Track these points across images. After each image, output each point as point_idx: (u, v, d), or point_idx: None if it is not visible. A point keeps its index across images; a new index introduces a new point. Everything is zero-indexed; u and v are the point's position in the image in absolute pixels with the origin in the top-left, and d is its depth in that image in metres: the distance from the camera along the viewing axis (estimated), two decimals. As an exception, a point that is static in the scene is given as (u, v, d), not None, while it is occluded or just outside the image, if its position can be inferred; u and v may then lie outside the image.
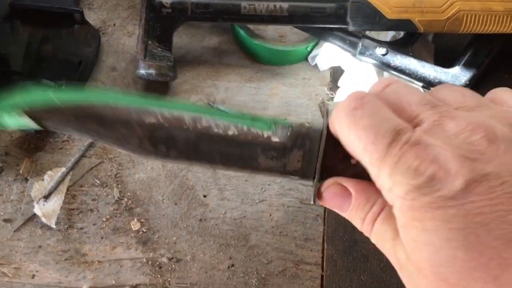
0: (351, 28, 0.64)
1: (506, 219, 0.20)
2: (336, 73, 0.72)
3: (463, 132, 0.23)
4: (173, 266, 0.58)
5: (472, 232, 0.20)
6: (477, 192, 0.21)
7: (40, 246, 0.59)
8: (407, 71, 0.65)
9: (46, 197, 0.61)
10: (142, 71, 0.64)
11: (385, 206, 0.26)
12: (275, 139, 0.29)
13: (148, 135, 0.29)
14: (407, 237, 0.23)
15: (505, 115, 0.24)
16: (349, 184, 0.27)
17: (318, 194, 0.29)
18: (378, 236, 0.26)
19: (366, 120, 0.24)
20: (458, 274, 0.20)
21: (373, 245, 0.27)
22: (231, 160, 0.29)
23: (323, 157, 0.28)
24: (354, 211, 0.27)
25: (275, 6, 0.64)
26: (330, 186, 0.28)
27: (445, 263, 0.21)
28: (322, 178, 0.29)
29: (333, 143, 0.28)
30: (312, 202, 0.29)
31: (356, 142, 0.25)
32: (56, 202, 0.61)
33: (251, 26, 0.72)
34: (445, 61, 0.67)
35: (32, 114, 0.30)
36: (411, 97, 0.26)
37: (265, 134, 0.29)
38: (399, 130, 0.23)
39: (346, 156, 0.27)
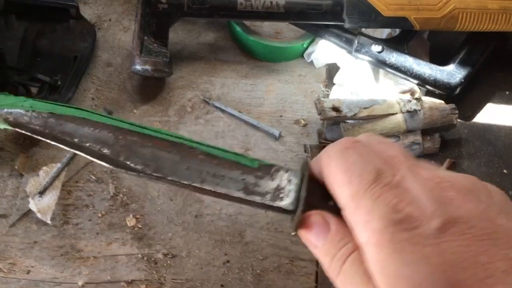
0: (347, 25, 0.64)
1: (477, 259, 0.22)
2: (331, 70, 0.72)
3: (434, 179, 0.25)
4: (169, 262, 0.59)
5: (449, 269, 0.22)
6: (452, 233, 0.23)
7: (35, 242, 0.59)
8: (403, 68, 0.65)
9: (42, 192, 0.61)
10: (138, 67, 0.64)
11: (356, 249, 0.26)
12: (258, 173, 0.30)
13: (127, 152, 0.30)
14: (384, 272, 0.23)
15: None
16: (331, 218, 0.28)
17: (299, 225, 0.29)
18: (347, 278, 0.26)
19: (356, 157, 0.26)
20: None
21: None
22: (212, 186, 0.29)
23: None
24: (327, 247, 0.27)
25: (271, 2, 0.64)
26: (312, 215, 0.28)
27: None
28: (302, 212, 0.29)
29: (313, 183, 0.29)
30: (293, 232, 0.29)
31: (342, 175, 0.26)
32: (51, 198, 0.61)
33: (247, 23, 0.72)
34: (440, 59, 0.67)
35: (7, 120, 0.31)
36: (390, 148, 0.28)
37: (249, 169, 0.30)
38: (382, 173, 0.25)
39: (324, 196, 0.28)
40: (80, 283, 0.57)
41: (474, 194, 0.24)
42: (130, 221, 0.60)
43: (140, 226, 0.60)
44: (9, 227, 0.60)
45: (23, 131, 0.31)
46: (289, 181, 0.30)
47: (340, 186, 0.26)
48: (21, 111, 0.31)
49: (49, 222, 0.59)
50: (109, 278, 0.57)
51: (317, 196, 0.29)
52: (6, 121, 0.31)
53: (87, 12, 0.75)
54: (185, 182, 0.29)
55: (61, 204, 0.61)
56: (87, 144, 0.30)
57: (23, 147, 0.64)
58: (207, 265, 0.59)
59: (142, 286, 0.57)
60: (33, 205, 0.60)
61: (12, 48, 0.67)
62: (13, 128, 0.31)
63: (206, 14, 0.65)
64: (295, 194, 0.29)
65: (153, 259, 0.59)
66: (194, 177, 0.29)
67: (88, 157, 0.30)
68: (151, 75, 0.66)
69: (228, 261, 0.59)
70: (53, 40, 0.70)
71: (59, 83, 0.66)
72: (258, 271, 0.58)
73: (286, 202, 0.29)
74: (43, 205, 0.60)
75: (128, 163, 0.29)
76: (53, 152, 0.64)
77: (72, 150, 0.30)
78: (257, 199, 0.29)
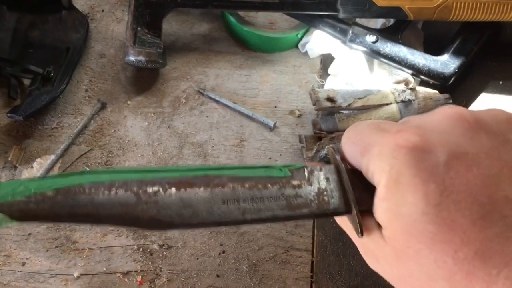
0: (341, 15, 0.64)
1: (476, 199, 0.22)
2: (326, 60, 0.72)
3: (445, 119, 0.25)
4: (164, 253, 0.59)
5: (445, 209, 0.22)
6: (457, 170, 0.22)
7: (30, 234, 0.59)
8: (397, 58, 0.65)
9: (36, 184, 0.60)
10: (132, 58, 0.63)
11: None
12: (294, 182, 0.28)
13: (155, 207, 0.26)
14: (386, 208, 0.24)
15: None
16: None
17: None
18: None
19: (362, 125, 0.28)
20: (424, 245, 0.22)
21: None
22: (255, 213, 0.27)
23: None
24: None
25: (265, -8, 0.63)
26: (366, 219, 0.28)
27: (415, 233, 0.23)
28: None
29: (349, 172, 0.28)
30: (360, 235, 0.27)
31: (354, 144, 0.28)
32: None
33: (241, 13, 0.72)
34: (434, 49, 0.67)
35: (13, 216, 0.24)
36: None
37: (284, 180, 0.28)
38: (387, 128, 0.26)
39: (363, 181, 0.27)
40: (75, 275, 0.57)
41: (491, 128, 0.24)
42: (125, 213, 0.60)
43: (135, 218, 0.60)
44: (3, 219, 0.59)
45: (35, 222, 0.25)
46: (327, 179, 0.28)
47: (356, 153, 0.27)
48: (24, 199, 0.24)
49: (43, 214, 0.59)
50: (104, 269, 0.57)
51: (359, 185, 0.27)
52: (12, 217, 0.24)
53: (80, 3, 0.74)
54: (228, 221, 0.26)
55: (56, 196, 0.61)
56: (109, 213, 0.25)
57: (17, 139, 0.64)
58: (203, 255, 0.59)
59: (138, 277, 0.57)
60: (27, 197, 0.59)
61: (3, 39, 0.66)
62: (19, 221, 0.25)
63: (200, 4, 0.64)
64: (339, 192, 0.28)
65: (148, 250, 0.59)
66: (233, 211, 0.26)
67: (117, 226, 0.26)
68: (145, 66, 0.65)
69: (223, 252, 0.59)
70: (45, 31, 0.70)
71: (52, 74, 0.66)
72: (254, 261, 0.59)
73: (333, 205, 0.27)
74: (37, 197, 0.60)
75: (161, 220, 0.26)
76: (47, 143, 0.64)
77: (96, 225, 0.26)
78: (305, 211, 0.27)
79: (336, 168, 0.28)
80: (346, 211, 0.27)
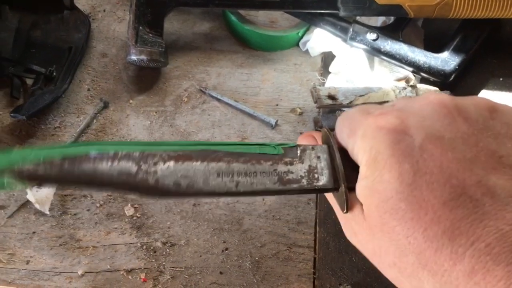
0: (342, 13, 0.64)
1: (448, 181, 0.23)
2: (327, 58, 0.73)
3: (427, 104, 0.26)
4: (168, 250, 0.59)
5: (417, 188, 0.23)
6: (431, 152, 0.24)
7: (34, 232, 0.59)
8: (397, 56, 0.66)
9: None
10: (134, 57, 0.64)
11: None
12: (287, 159, 0.29)
13: (154, 176, 0.28)
14: (364, 185, 0.26)
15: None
16: None
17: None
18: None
19: (353, 111, 0.30)
20: (397, 221, 0.24)
21: None
22: (248, 186, 0.28)
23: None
24: None
25: (266, -9, 0.64)
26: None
27: (389, 210, 0.24)
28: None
29: (341, 152, 0.29)
30: (344, 211, 0.28)
31: (343, 127, 0.29)
32: (49, 189, 0.61)
33: (242, 12, 0.72)
34: (434, 46, 0.67)
35: (23, 178, 0.27)
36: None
37: (276, 157, 0.29)
38: (372, 112, 0.28)
39: (353, 166, 0.28)
40: (79, 272, 0.57)
41: (470, 115, 0.25)
42: (129, 211, 0.61)
43: (138, 216, 0.61)
44: (8, 218, 0.60)
45: (43, 184, 0.29)
46: (318, 158, 0.30)
47: (344, 135, 0.29)
48: (33, 165, 0.27)
49: (47, 212, 0.60)
50: (108, 267, 0.58)
51: (347, 165, 0.29)
52: (22, 179, 0.27)
53: (81, 3, 0.75)
54: (222, 192, 0.28)
55: (59, 194, 0.61)
56: (111, 180, 0.27)
57: (20, 139, 0.64)
58: (206, 253, 0.59)
59: (141, 274, 0.57)
60: (31, 196, 0.60)
61: (6, 39, 0.67)
62: (30, 183, 0.28)
63: (201, 3, 0.65)
64: (329, 170, 0.29)
65: (152, 247, 0.59)
66: (228, 184, 0.28)
67: (118, 191, 0.28)
68: (147, 65, 0.66)
69: (226, 249, 0.59)
70: (47, 31, 0.70)
71: (54, 74, 0.66)
72: (257, 258, 0.59)
73: (323, 181, 0.29)
74: (41, 196, 0.60)
75: (159, 187, 0.28)
76: (50, 143, 0.64)
77: (98, 190, 0.28)
78: (295, 186, 0.29)
79: (328, 147, 0.30)
80: (334, 188, 0.29)
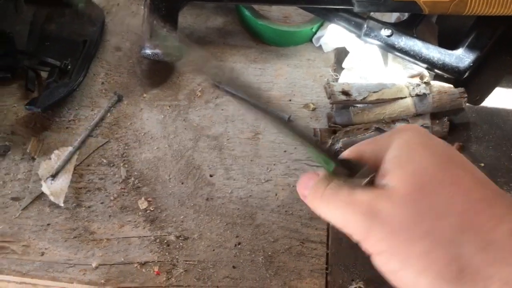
0: (356, 9, 0.64)
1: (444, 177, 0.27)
2: (340, 54, 0.73)
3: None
4: (181, 244, 0.59)
5: (452, 168, 0.27)
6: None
7: (48, 224, 0.60)
8: (412, 52, 0.65)
9: (54, 176, 0.61)
10: (148, 51, 0.64)
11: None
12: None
13: None
14: (398, 155, 0.29)
15: None
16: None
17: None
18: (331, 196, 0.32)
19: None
20: (436, 186, 0.27)
21: None
22: None
23: None
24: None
25: (281, -14, 0.64)
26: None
27: (427, 177, 0.27)
28: None
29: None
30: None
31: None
32: (63, 181, 0.61)
33: (255, 7, 0.72)
34: (449, 43, 0.67)
35: None
36: None
37: None
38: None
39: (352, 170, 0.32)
40: (94, 265, 0.57)
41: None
42: (142, 204, 0.61)
43: (152, 209, 0.61)
44: (22, 210, 0.60)
45: None
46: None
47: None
48: None
49: (61, 205, 0.60)
50: (122, 259, 0.58)
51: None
52: None
53: (95, -4, 0.75)
54: None
55: (73, 187, 0.62)
56: None
57: (35, 131, 0.65)
58: (219, 247, 0.59)
59: (155, 267, 0.58)
60: (45, 188, 0.60)
61: (21, 32, 0.67)
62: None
63: (216, -2, 0.65)
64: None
65: (165, 241, 0.59)
66: None
67: None
68: (161, 59, 0.66)
69: (239, 243, 0.60)
70: (61, 24, 0.70)
71: (69, 67, 0.66)
72: (269, 253, 0.59)
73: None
74: (55, 188, 0.61)
75: None
76: (64, 135, 0.65)
77: None
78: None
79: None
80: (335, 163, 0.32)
